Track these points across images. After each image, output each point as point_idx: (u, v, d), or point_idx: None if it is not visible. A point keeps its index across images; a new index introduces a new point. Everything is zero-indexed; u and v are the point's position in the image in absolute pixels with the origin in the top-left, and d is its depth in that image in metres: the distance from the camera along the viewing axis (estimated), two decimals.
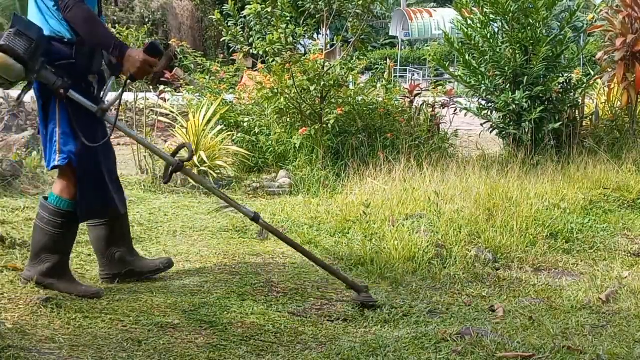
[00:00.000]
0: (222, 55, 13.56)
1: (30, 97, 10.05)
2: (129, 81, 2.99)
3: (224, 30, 6.71)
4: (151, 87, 7.81)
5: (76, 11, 2.86)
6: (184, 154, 3.50)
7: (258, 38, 6.58)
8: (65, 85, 2.90)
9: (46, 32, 2.91)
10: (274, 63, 6.43)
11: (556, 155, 6.49)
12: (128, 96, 6.89)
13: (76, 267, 3.39)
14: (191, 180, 5.63)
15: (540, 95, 6.69)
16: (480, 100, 7.16)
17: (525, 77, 6.60)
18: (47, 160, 3.06)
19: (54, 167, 3.01)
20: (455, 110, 7.47)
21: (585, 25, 13.28)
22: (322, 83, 6.28)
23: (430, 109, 7.31)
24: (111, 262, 3.28)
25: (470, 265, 3.97)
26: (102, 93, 3.06)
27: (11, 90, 11.42)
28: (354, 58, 7.08)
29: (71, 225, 3.07)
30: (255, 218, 3.27)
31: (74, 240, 3.17)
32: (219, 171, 5.87)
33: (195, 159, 5.69)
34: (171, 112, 6.67)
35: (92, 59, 3.00)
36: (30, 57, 2.81)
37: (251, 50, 6.78)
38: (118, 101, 3.07)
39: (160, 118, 6.93)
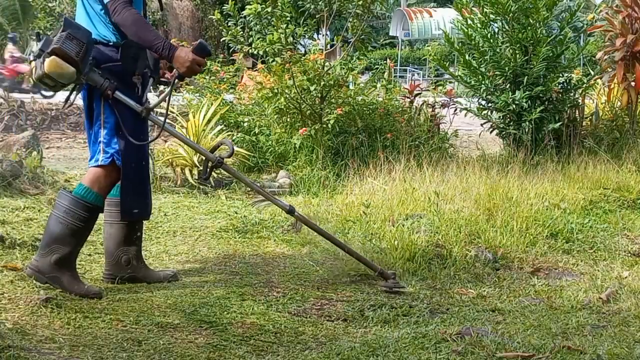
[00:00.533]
0: (222, 55, 13.56)
1: (30, 97, 10.06)
2: (176, 80, 3.10)
3: (224, 30, 6.71)
4: (151, 87, 7.80)
5: (125, 14, 2.94)
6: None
7: (258, 38, 6.58)
8: (112, 86, 2.99)
9: (93, 36, 2.99)
10: (274, 63, 6.43)
11: (556, 155, 6.49)
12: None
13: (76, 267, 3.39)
14: (183, 178, 5.63)
15: (540, 95, 6.69)
16: (480, 100, 7.16)
17: (525, 77, 6.60)
18: (91, 158, 3.15)
19: (97, 166, 3.09)
20: (455, 110, 7.47)
21: (585, 25, 13.29)
22: (322, 83, 6.28)
23: (430, 109, 7.31)
24: (117, 264, 3.30)
25: (470, 265, 3.97)
26: (143, 94, 3.15)
27: (15, 92, 11.40)
28: (354, 58, 7.09)
29: (91, 219, 3.10)
30: (291, 211, 3.47)
31: (88, 235, 3.18)
32: (219, 171, 5.87)
33: (195, 159, 5.70)
34: (171, 112, 6.67)
35: (136, 61, 3.07)
36: (81, 60, 2.89)
37: (251, 50, 6.79)
38: (167, 101, 3.21)
39: (161, 118, 6.93)
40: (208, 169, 3.37)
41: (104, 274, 3.34)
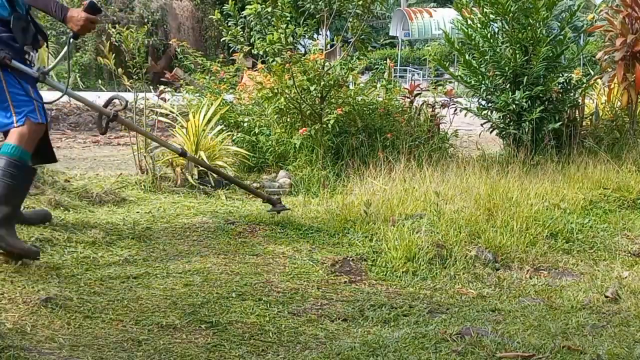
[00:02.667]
0: (222, 55, 13.56)
1: None
2: (72, 39, 3.36)
3: (224, 30, 6.71)
4: (151, 87, 7.81)
5: None
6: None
7: (258, 38, 6.58)
8: (8, 56, 3.21)
9: None
10: (274, 63, 6.43)
11: (556, 155, 6.49)
12: (128, 96, 6.89)
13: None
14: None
15: (540, 95, 6.69)
16: (480, 100, 7.16)
17: (525, 77, 6.60)
18: (2, 126, 3.31)
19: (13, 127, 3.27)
20: (455, 110, 7.47)
21: (585, 25, 13.29)
22: (322, 83, 6.28)
23: (430, 109, 7.31)
24: None
25: (470, 265, 3.97)
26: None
27: None
28: (354, 58, 7.08)
29: (27, 176, 3.33)
30: (183, 153, 4.21)
31: (24, 195, 3.38)
32: None
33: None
34: (171, 112, 6.66)
35: (26, 32, 3.28)
36: None
37: (251, 50, 6.79)
38: (68, 60, 3.52)
39: (160, 118, 6.92)
40: (104, 124, 3.69)
41: None
